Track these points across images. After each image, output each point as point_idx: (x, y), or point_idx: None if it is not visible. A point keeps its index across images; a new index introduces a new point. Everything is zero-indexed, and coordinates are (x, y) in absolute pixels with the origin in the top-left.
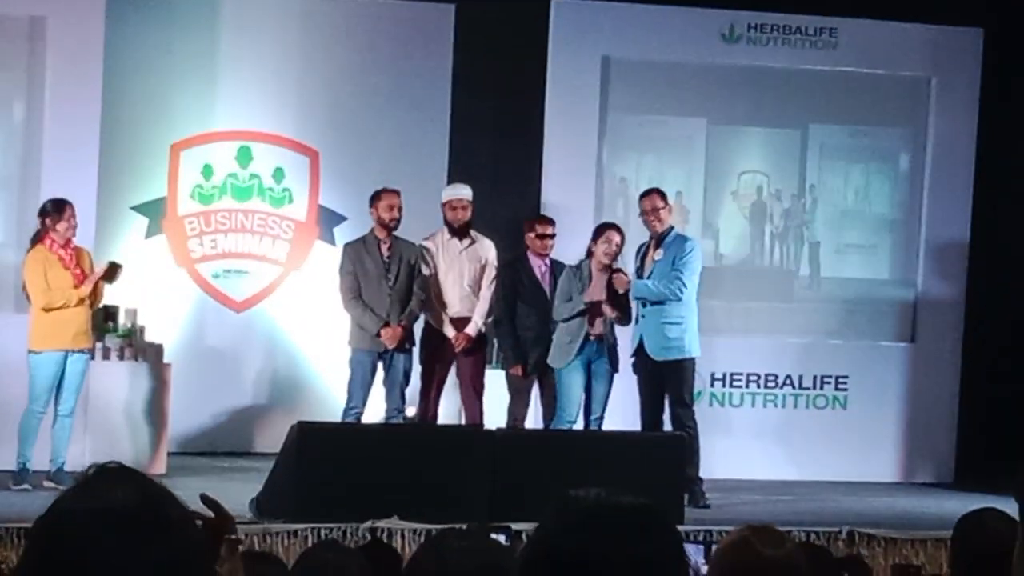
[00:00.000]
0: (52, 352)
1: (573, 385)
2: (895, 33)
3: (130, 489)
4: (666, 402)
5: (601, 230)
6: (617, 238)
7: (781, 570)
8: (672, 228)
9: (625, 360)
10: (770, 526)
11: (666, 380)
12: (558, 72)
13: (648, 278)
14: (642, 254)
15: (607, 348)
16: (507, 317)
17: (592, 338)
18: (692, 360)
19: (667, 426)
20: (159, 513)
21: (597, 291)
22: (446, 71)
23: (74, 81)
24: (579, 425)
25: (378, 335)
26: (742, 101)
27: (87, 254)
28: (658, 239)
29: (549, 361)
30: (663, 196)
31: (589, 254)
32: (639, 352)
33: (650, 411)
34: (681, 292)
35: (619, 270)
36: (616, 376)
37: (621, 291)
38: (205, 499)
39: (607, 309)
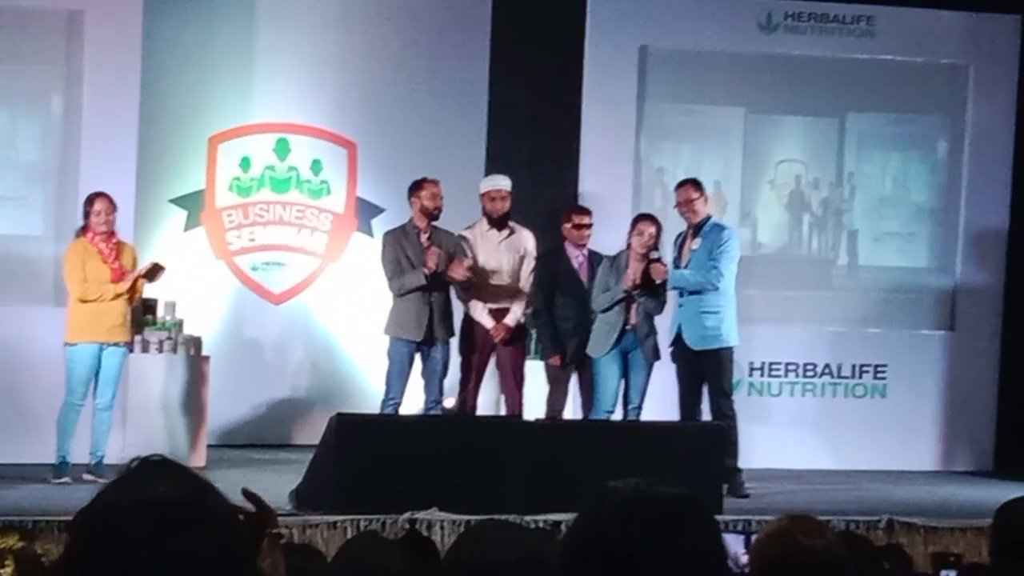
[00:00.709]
0: (87, 344)
1: (610, 375)
2: (932, 20)
3: (173, 482)
4: (705, 391)
5: (636, 222)
6: (651, 229)
7: (822, 560)
8: (709, 217)
9: (664, 350)
10: (810, 516)
11: (705, 369)
12: (595, 62)
13: (686, 267)
14: (680, 244)
15: (643, 337)
16: (545, 307)
17: (630, 328)
18: (730, 349)
19: (706, 416)
20: (202, 506)
21: (631, 280)
22: (483, 62)
23: (112, 75)
24: (617, 415)
25: (428, 277)
26: (780, 90)
27: (131, 249)
28: (695, 229)
29: (588, 351)
30: (698, 186)
31: (629, 246)
32: (677, 341)
33: (689, 400)
34: (718, 281)
35: (657, 260)
36: (655, 366)
37: (659, 281)
38: (246, 493)
39: (658, 269)
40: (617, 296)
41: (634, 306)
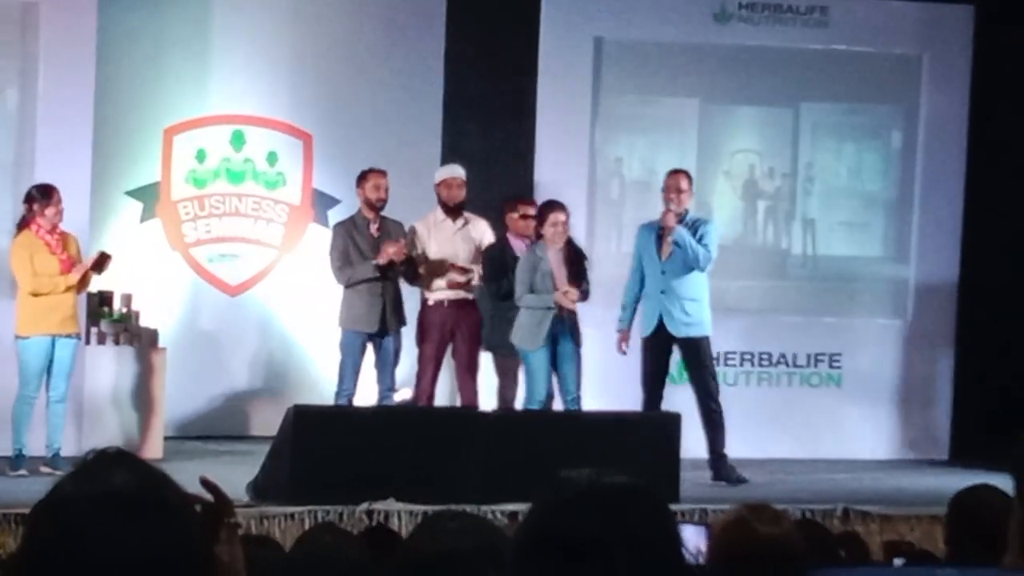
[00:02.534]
0: (40, 337)
1: (541, 367)
2: (886, 11)
3: (129, 473)
4: (687, 376)
5: (543, 213)
6: (561, 217)
7: (779, 548)
8: (688, 211)
9: (635, 337)
10: (766, 504)
11: (690, 356)
12: (550, 53)
13: (667, 260)
14: (658, 235)
15: (570, 325)
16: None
17: (559, 315)
18: (708, 338)
19: (682, 403)
20: (158, 497)
21: (561, 279)
22: (438, 53)
23: (67, 67)
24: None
25: (378, 268)
26: (734, 81)
27: (74, 239)
28: (679, 219)
29: (516, 342)
30: (689, 179)
31: (540, 236)
32: (657, 330)
33: (655, 389)
34: (708, 262)
35: (670, 211)
36: (608, 355)
37: (669, 228)
38: (204, 483)
39: (570, 295)
40: (547, 304)
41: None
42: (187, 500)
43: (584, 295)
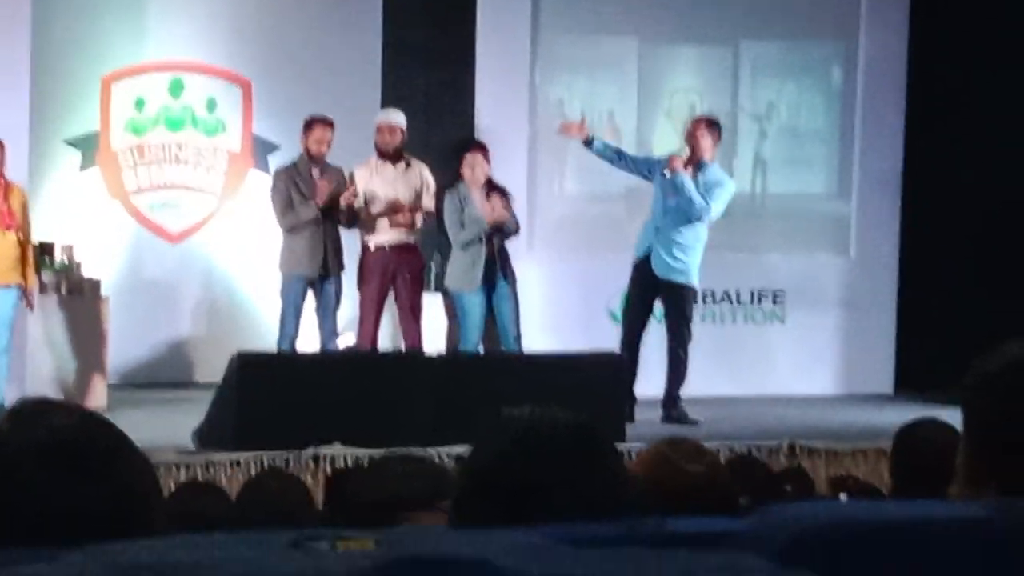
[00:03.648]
0: None
1: (475, 310)
2: None
3: (63, 420)
4: (663, 318)
5: (460, 153)
6: (479, 157)
7: (700, 484)
8: (714, 163)
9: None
10: (687, 439)
11: (668, 300)
12: None
13: (672, 200)
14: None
15: (502, 266)
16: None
17: (491, 256)
18: (694, 288)
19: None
20: (97, 445)
21: (487, 213)
22: None
23: (2, 17)
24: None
25: (320, 211)
26: (673, 19)
27: (19, 191)
28: (696, 164)
29: (450, 284)
30: (711, 126)
31: (461, 177)
32: (643, 263)
33: (636, 325)
34: (706, 215)
35: (676, 156)
36: (549, 295)
37: (672, 170)
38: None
39: (496, 211)
40: (481, 229)
41: (494, 237)
42: (129, 447)
43: (514, 225)
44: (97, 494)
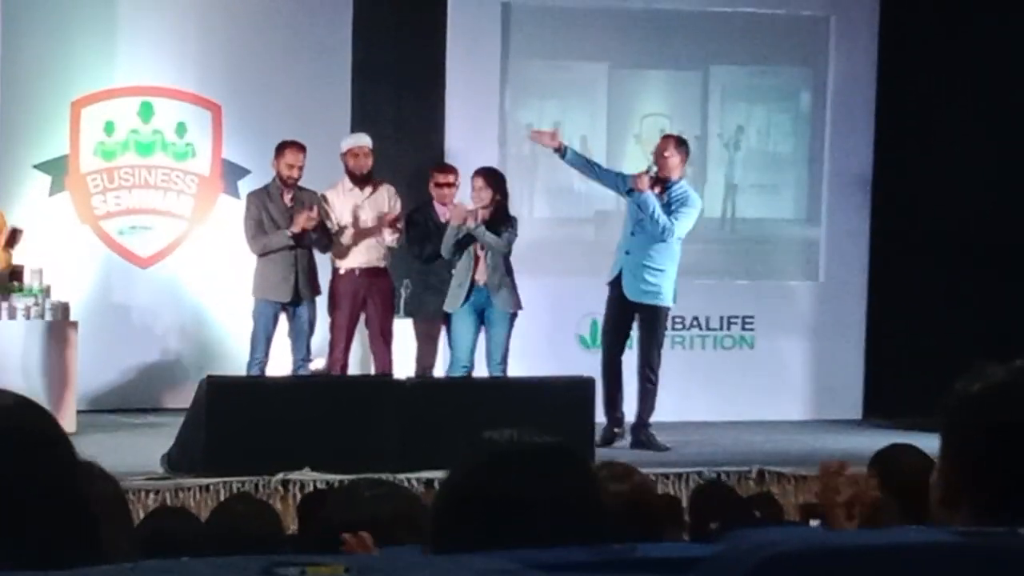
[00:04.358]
0: None
1: (463, 331)
2: None
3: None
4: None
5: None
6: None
7: (627, 503)
8: (681, 181)
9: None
10: (617, 461)
11: (641, 322)
12: (458, 19)
13: (638, 223)
14: (628, 192)
15: (495, 290)
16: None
17: (480, 284)
18: (668, 309)
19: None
20: (31, 426)
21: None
22: (347, 21)
23: None
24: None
25: (292, 237)
26: (643, 44)
27: None
28: (663, 183)
29: (444, 307)
30: (679, 144)
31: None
32: (615, 284)
33: (614, 348)
34: (669, 236)
35: (644, 172)
36: (523, 321)
37: (638, 189)
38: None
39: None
40: (461, 233)
41: (481, 262)
42: (53, 427)
43: (507, 239)
44: (33, 475)
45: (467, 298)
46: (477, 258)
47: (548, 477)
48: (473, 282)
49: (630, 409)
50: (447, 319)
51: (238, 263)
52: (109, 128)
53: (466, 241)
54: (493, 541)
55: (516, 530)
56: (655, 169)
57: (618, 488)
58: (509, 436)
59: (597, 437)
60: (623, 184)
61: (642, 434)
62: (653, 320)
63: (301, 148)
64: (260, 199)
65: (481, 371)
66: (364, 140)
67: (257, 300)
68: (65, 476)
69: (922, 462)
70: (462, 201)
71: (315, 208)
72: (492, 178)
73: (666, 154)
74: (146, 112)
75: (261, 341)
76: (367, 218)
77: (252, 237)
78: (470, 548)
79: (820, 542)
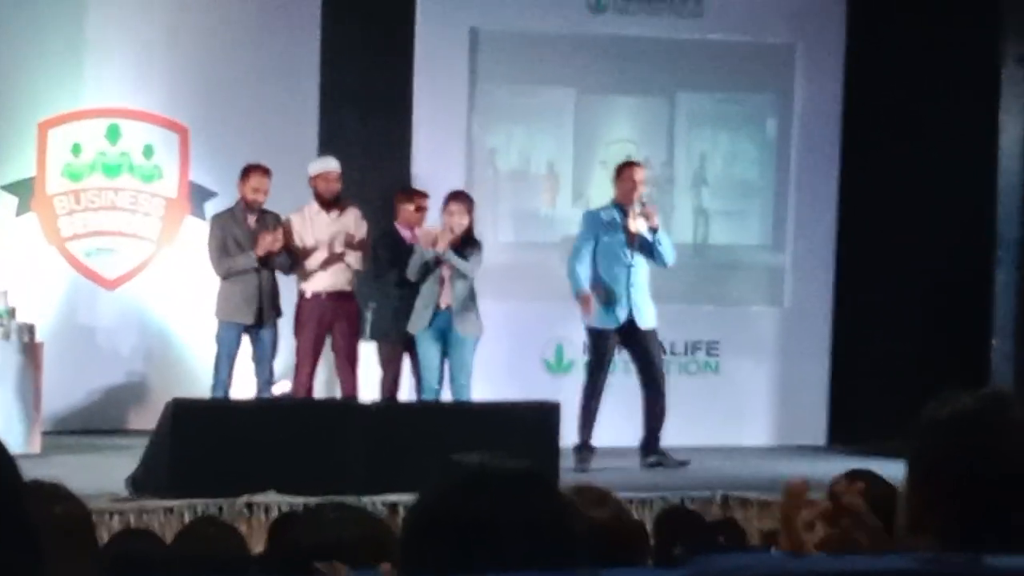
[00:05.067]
0: None
1: (430, 353)
2: (759, 1)
3: None
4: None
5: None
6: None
7: (604, 530)
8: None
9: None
10: (592, 486)
11: (649, 343)
12: (426, 43)
13: (639, 247)
14: (623, 224)
15: (459, 313)
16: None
17: (444, 308)
18: None
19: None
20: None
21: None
22: (314, 44)
23: None
24: (447, 394)
25: (258, 260)
26: (610, 70)
27: None
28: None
29: (408, 327)
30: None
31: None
32: (628, 324)
33: (602, 379)
34: (673, 259)
35: (644, 204)
36: (489, 344)
37: (646, 229)
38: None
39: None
40: (423, 258)
41: (445, 285)
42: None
43: (464, 258)
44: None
45: (431, 321)
46: (443, 281)
47: (518, 501)
48: (438, 305)
49: (635, 425)
50: (410, 342)
51: (204, 286)
52: (76, 150)
53: (433, 265)
54: (463, 565)
55: (486, 554)
56: (643, 202)
57: (599, 514)
58: (479, 460)
59: (571, 462)
60: (603, 232)
61: (659, 451)
62: (658, 342)
63: (266, 172)
64: (225, 222)
65: (445, 395)
66: (333, 164)
67: (221, 322)
68: (8, 499)
69: (882, 489)
70: (432, 225)
71: (279, 230)
72: (469, 203)
73: (639, 178)
74: (113, 134)
75: (225, 363)
76: (334, 242)
77: (217, 259)
78: (440, 572)
79: (782, 568)
